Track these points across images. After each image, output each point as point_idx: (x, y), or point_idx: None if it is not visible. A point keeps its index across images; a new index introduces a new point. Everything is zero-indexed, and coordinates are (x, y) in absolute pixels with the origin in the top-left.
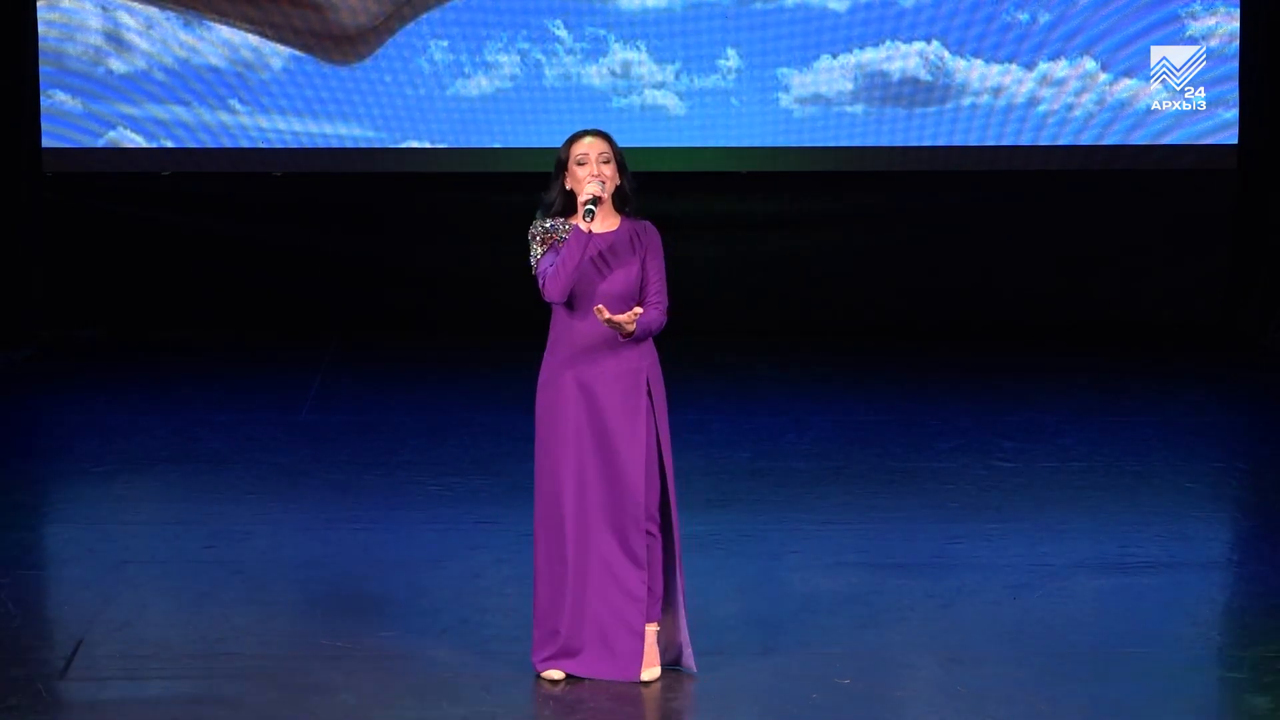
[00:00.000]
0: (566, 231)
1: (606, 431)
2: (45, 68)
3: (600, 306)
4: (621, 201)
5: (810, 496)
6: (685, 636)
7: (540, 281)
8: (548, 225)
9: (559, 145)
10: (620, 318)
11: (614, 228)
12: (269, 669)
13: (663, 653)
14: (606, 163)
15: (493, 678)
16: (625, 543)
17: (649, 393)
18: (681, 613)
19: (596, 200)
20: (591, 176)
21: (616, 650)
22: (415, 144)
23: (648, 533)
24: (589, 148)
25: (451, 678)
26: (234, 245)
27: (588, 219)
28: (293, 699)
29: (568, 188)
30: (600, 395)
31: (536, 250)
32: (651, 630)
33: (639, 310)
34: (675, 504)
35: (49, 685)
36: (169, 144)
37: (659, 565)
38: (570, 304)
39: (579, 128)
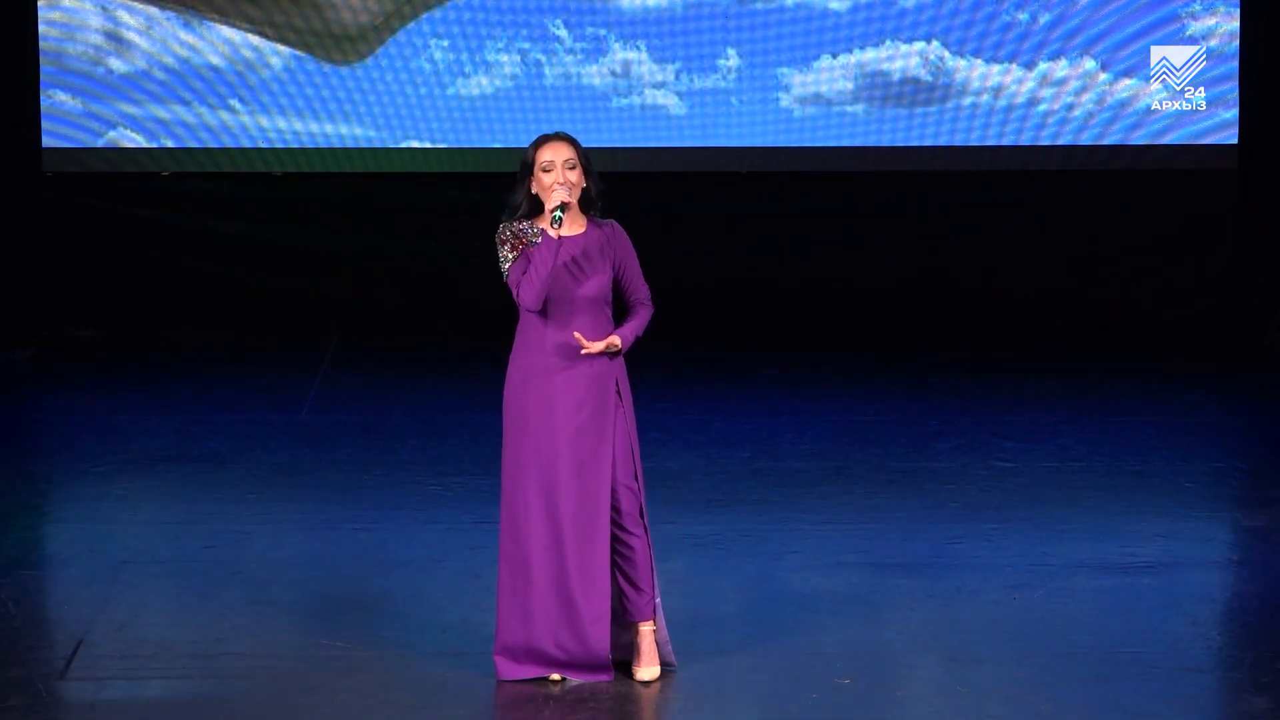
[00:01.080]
0: (536, 236)
1: (577, 436)
2: (45, 67)
3: (578, 335)
4: (587, 204)
5: (810, 496)
6: (665, 634)
7: (514, 291)
8: (516, 229)
9: None
10: (597, 347)
11: (581, 230)
12: (269, 669)
13: (646, 652)
14: (572, 168)
15: (492, 678)
16: (592, 548)
17: (618, 394)
18: (660, 610)
19: (564, 208)
20: (558, 184)
21: (585, 653)
22: (415, 144)
23: (631, 533)
24: (554, 153)
25: (452, 677)
26: (234, 245)
27: (555, 226)
28: (293, 699)
29: (534, 191)
30: (571, 399)
31: (507, 256)
32: (648, 629)
33: (615, 340)
34: (644, 505)
35: (49, 685)
36: (169, 144)
37: (647, 565)
38: (542, 310)
39: (579, 128)
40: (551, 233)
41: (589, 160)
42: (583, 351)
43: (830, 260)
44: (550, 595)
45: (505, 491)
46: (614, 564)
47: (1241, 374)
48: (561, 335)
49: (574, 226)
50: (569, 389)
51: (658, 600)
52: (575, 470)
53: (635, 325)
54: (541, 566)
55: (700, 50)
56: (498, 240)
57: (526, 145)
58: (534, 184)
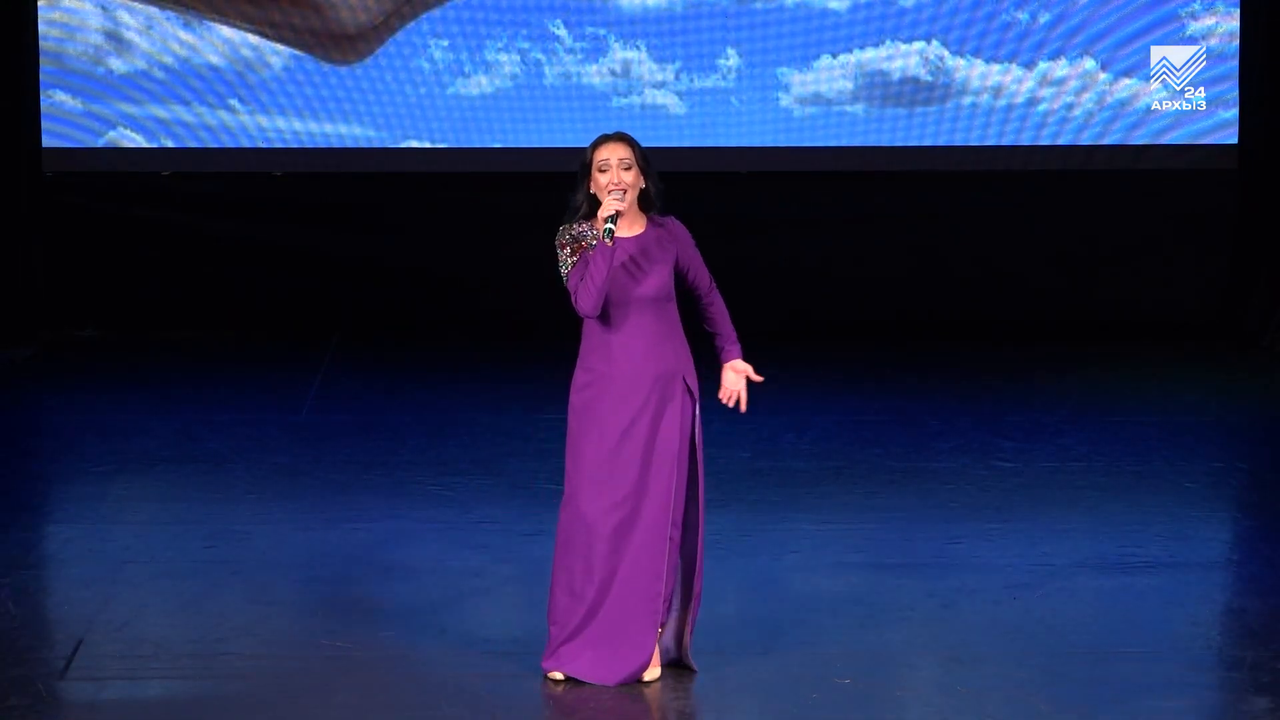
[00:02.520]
0: (594, 239)
1: (643, 437)
2: (45, 67)
3: (729, 393)
4: (646, 204)
5: (810, 496)
6: (690, 638)
7: (573, 296)
8: (575, 232)
9: (559, 145)
10: (739, 389)
11: (640, 231)
12: (269, 669)
13: (665, 651)
14: (628, 169)
15: (493, 678)
16: (652, 552)
17: (689, 392)
18: (693, 614)
19: (614, 218)
20: (613, 185)
21: (622, 655)
22: (415, 144)
23: (669, 538)
24: (610, 153)
25: (451, 678)
26: (234, 245)
27: (608, 238)
28: (293, 699)
29: (592, 191)
30: (635, 400)
31: (566, 261)
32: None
33: (746, 369)
34: (703, 504)
35: (49, 685)
36: (169, 143)
37: (674, 567)
38: (604, 312)
39: (579, 127)
40: (607, 242)
41: (647, 160)
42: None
43: (829, 260)
44: (598, 595)
45: (566, 492)
46: None
47: (1241, 374)
48: (624, 336)
49: (633, 226)
50: (634, 390)
51: (696, 590)
52: (638, 472)
53: (730, 325)
54: (599, 567)
55: (700, 50)
56: (557, 244)
57: (526, 146)
58: (592, 184)
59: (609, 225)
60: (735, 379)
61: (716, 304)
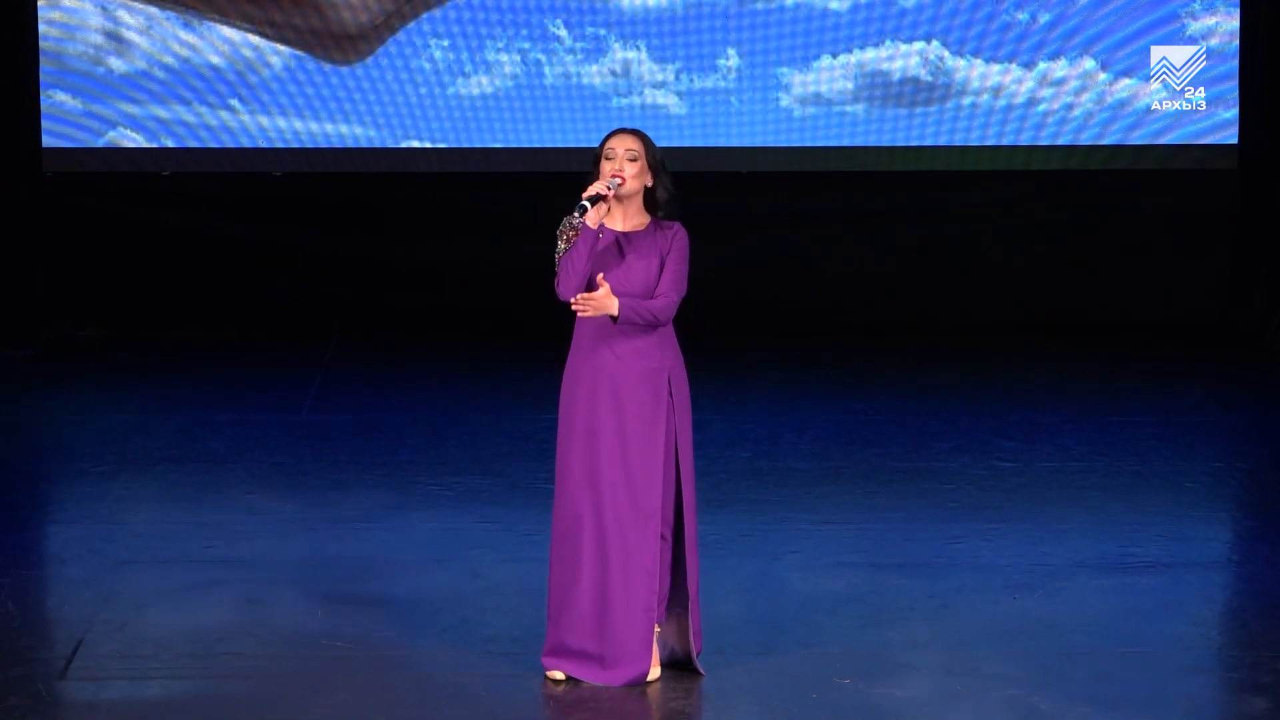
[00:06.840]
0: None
1: (627, 433)
2: (45, 67)
3: (600, 278)
4: (652, 205)
5: (810, 496)
6: (696, 638)
7: (556, 280)
8: (576, 222)
9: (559, 145)
10: (596, 295)
11: (639, 227)
12: (269, 669)
13: (673, 652)
14: (633, 160)
15: (493, 678)
16: (641, 548)
17: (670, 393)
18: (695, 614)
19: (595, 199)
20: (613, 173)
21: (623, 656)
22: (415, 144)
23: (660, 536)
24: (618, 144)
25: (451, 678)
26: (234, 245)
27: (579, 214)
28: (293, 699)
29: None
30: (623, 396)
31: (561, 247)
32: (654, 631)
33: (613, 301)
34: (693, 505)
35: (49, 685)
36: (169, 143)
37: (668, 567)
38: None
39: (579, 128)
40: (590, 221)
41: (658, 160)
42: (582, 301)
43: (829, 260)
44: (592, 594)
45: (559, 485)
46: None
47: (1241, 374)
48: (611, 328)
49: (635, 221)
50: (619, 385)
51: (692, 593)
52: (622, 468)
53: (641, 304)
54: (590, 564)
55: (700, 50)
56: (559, 232)
57: (526, 146)
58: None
59: (584, 203)
60: (599, 294)
61: (656, 302)
